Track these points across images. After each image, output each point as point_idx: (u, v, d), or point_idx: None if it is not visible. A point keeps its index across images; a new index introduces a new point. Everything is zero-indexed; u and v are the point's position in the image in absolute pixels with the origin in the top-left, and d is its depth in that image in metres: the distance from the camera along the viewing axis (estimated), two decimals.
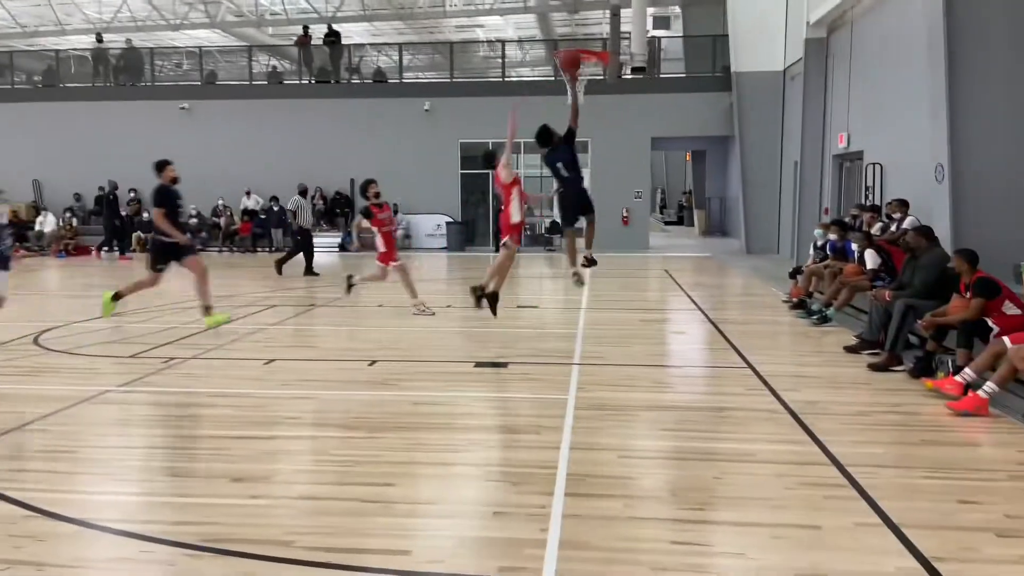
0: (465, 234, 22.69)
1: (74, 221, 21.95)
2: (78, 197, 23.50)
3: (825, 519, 3.94)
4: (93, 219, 23.37)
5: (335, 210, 22.85)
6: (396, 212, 18.33)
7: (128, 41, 26.65)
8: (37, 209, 22.91)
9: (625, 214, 22.04)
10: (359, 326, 10.02)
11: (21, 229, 21.70)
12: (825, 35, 15.96)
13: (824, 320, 9.64)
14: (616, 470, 4.65)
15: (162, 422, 5.65)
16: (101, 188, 23.44)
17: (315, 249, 15.87)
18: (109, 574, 3.40)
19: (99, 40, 25.32)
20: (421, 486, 4.45)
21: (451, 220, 22.28)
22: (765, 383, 6.73)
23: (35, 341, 8.63)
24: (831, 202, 16.05)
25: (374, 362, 7.61)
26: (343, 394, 6.47)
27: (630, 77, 19.55)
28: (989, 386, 5.57)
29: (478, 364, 7.54)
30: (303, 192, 15.99)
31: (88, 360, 7.73)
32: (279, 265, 15.34)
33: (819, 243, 11.43)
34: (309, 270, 15.43)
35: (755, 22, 19.45)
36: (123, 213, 21.43)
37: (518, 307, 10.95)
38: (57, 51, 27.14)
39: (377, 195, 10.53)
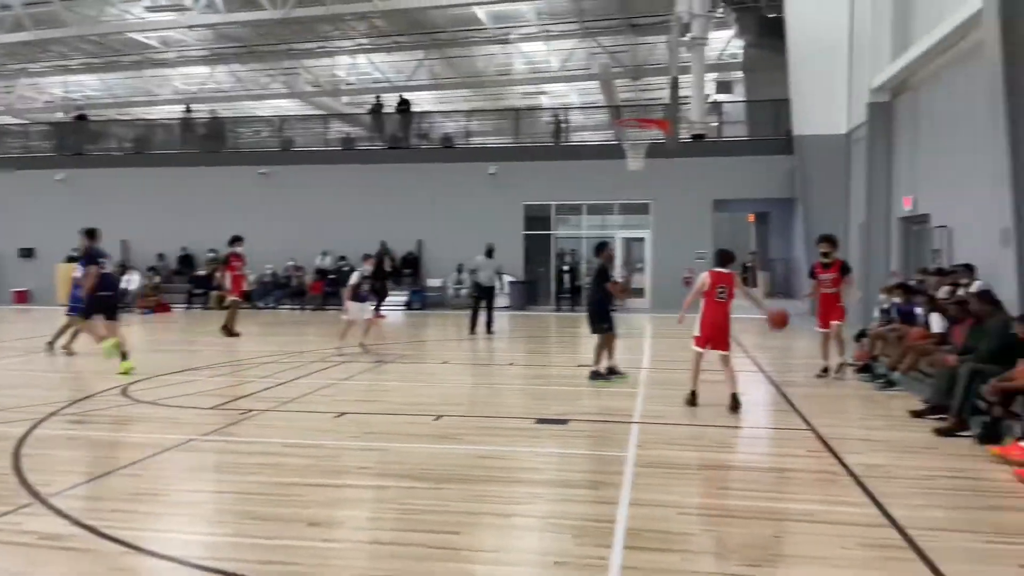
0: (528, 293, 23.03)
1: (157, 280, 23.10)
2: (161, 257, 24.78)
3: None
4: (175, 278, 24.57)
5: (404, 270, 23.53)
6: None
7: (213, 112, 28.35)
8: (124, 268, 24.22)
9: (687, 275, 22.08)
10: (425, 382, 10.34)
11: None
12: (889, 99, 16.03)
13: (889, 384, 9.53)
14: (674, 526, 4.76)
15: (242, 469, 5.99)
16: (183, 248, 24.64)
17: (488, 308, 16.00)
18: None
19: (187, 110, 27.00)
20: (484, 535, 4.65)
21: (514, 280, 22.67)
22: (826, 445, 6.74)
23: (124, 393, 9.19)
24: (899, 265, 15.86)
25: (439, 416, 7.88)
26: (409, 446, 6.74)
27: (690, 141, 19.85)
28: None
29: (539, 420, 7.73)
30: (489, 252, 16.12)
31: (172, 411, 8.20)
32: (471, 325, 15.80)
33: (884, 306, 11.35)
34: (488, 327, 15.89)
35: (817, 86, 19.61)
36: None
37: (579, 366, 11.10)
38: (147, 120, 29.04)
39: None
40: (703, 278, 8.44)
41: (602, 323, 9.98)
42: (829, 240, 10.46)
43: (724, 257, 8.61)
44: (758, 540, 4.54)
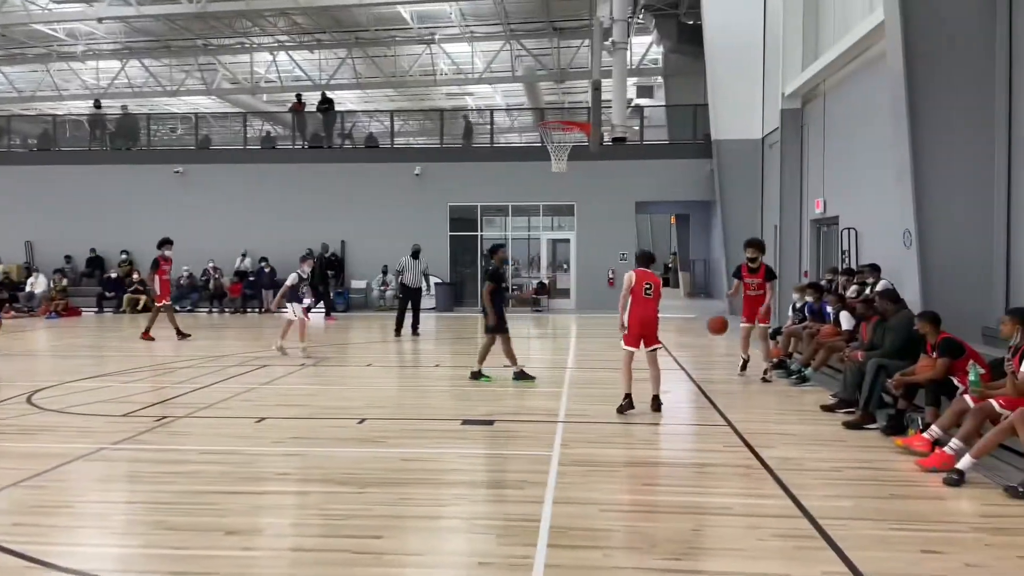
0: (454, 294, 22.98)
1: (64, 282, 22.08)
2: (69, 259, 23.69)
3: (795, 568, 4.13)
4: (84, 280, 23.53)
5: (327, 271, 23.12)
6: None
7: (124, 107, 27.23)
8: (29, 270, 23.08)
9: (611, 275, 22.44)
10: (349, 385, 10.19)
11: (12, 290, 21.84)
12: (800, 106, 16.64)
13: (802, 380, 9.90)
14: (597, 523, 4.83)
15: (156, 478, 5.78)
16: (93, 250, 23.67)
17: (414, 309, 16.06)
18: None
19: (97, 106, 25.88)
20: (409, 538, 4.61)
21: (440, 281, 22.59)
22: (743, 440, 6.94)
23: (28, 400, 8.75)
24: (810, 265, 16.49)
25: (363, 420, 7.78)
26: (332, 450, 6.63)
27: (612, 144, 20.17)
28: (955, 443, 5.81)
29: (465, 422, 7.72)
30: (415, 253, 16.11)
31: (82, 419, 7.86)
32: (397, 327, 15.75)
33: (797, 305, 11.77)
34: (413, 329, 15.91)
35: (734, 93, 20.20)
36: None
37: (504, 366, 11.14)
38: (54, 116, 27.69)
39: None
40: (630, 276, 8.46)
41: (501, 323, 10.08)
42: (755, 245, 10.53)
43: (646, 258, 8.73)
44: (678, 534, 4.65)
